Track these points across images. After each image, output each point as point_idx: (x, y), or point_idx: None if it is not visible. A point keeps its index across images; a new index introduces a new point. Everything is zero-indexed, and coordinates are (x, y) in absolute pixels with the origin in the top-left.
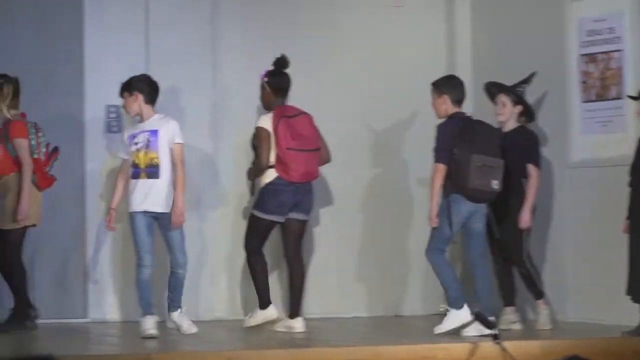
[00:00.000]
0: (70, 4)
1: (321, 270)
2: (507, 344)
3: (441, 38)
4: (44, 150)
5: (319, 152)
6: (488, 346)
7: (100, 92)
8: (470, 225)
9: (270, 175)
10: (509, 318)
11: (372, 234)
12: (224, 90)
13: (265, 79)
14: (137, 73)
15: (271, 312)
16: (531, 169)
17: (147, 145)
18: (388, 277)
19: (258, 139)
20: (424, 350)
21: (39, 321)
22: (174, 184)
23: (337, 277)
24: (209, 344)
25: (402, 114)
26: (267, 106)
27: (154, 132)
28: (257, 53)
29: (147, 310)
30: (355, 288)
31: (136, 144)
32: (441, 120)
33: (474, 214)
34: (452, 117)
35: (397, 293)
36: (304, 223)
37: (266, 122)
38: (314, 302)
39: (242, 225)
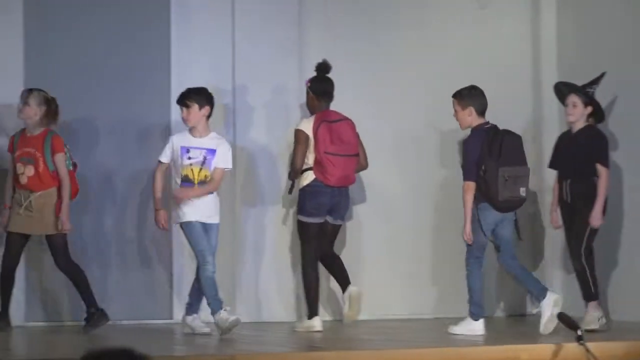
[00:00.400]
0: (157, 10)
1: (404, 271)
2: (590, 345)
3: (526, 38)
4: (71, 162)
5: (357, 158)
6: (572, 347)
7: None
8: (499, 231)
9: (308, 178)
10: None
11: (446, 235)
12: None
13: (309, 84)
14: (224, 78)
15: (316, 323)
16: (600, 168)
17: (203, 163)
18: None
19: (295, 141)
20: (507, 351)
21: (127, 322)
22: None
23: (419, 278)
24: (290, 345)
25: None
26: (312, 111)
27: (212, 152)
28: (342, 56)
29: (219, 306)
30: (438, 289)
31: (190, 158)
32: (466, 134)
33: (502, 221)
34: (477, 130)
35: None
36: (338, 227)
37: (306, 125)
38: (398, 302)
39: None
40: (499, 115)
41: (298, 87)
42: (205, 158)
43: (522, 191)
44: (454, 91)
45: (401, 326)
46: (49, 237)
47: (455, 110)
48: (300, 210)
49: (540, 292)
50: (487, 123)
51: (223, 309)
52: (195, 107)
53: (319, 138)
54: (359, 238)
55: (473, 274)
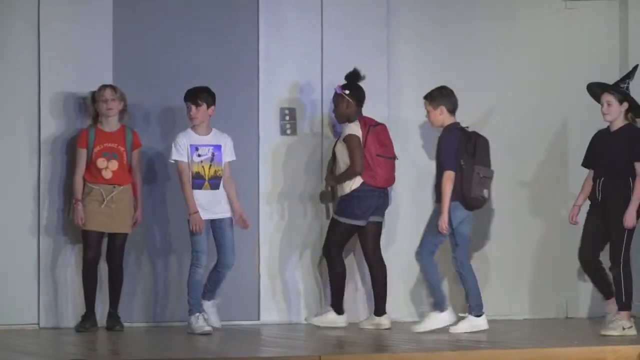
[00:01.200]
0: (246, 7)
1: (493, 272)
2: None
3: (614, 36)
4: None
5: (395, 160)
6: None
7: (274, 95)
8: (461, 229)
9: (356, 182)
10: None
11: (543, 236)
12: (398, 93)
13: (347, 92)
14: (313, 77)
15: (342, 320)
16: (638, 167)
17: (212, 159)
18: (558, 279)
19: (351, 146)
20: (593, 352)
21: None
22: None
23: (507, 278)
24: (372, 346)
25: (574, 117)
26: (346, 117)
27: (218, 147)
28: (430, 54)
29: (199, 309)
30: (526, 290)
31: (199, 155)
32: (440, 131)
33: (465, 219)
34: (450, 127)
35: (567, 295)
36: (380, 224)
37: (356, 130)
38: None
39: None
40: (588, 113)
41: (386, 85)
42: (213, 154)
43: (486, 193)
44: (543, 94)
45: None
46: (118, 234)
47: (427, 111)
48: (343, 212)
49: (442, 304)
50: (459, 123)
51: (201, 313)
52: (204, 106)
53: (369, 141)
54: None
55: (432, 268)
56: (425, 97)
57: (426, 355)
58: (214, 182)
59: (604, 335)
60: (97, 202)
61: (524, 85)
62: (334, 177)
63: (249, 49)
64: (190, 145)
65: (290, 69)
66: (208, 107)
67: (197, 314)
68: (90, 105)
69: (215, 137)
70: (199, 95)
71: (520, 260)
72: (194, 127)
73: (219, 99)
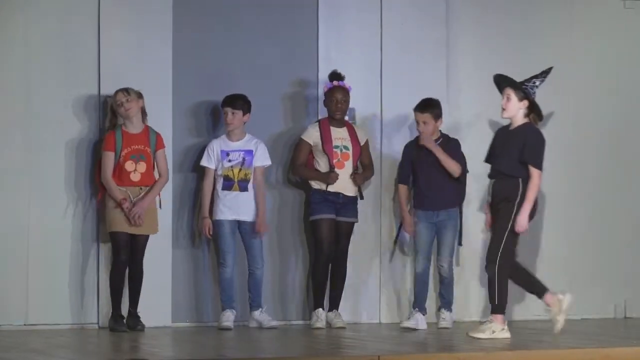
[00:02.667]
0: (305, 9)
1: (552, 272)
2: None
3: None
4: None
5: None
6: None
7: None
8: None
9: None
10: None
11: (603, 235)
12: (457, 92)
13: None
14: (372, 74)
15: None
16: (532, 170)
17: (242, 163)
18: (616, 279)
19: (369, 149)
20: None
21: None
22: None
23: (566, 278)
24: (432, 346)
25: (633, 116)
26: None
27: (249, 152)
28: (489, 56)
29: (228, 305)
30: (585, 289)
31: (230, 160)
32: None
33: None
34: (447, 136)
35: (626, 295)
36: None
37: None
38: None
39: None
40: None
41: (445, 85)
42: (244, 159)
43: None
44: (603, 94)
45: (542, 327)
46: (140, 236)
47: (426, 123)
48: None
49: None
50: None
51: (230, 310)
52: (240, 113)
53: None
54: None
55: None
56: (426, 111)
57: (485, 355)
58: (243, 184)
59: (473, 337)
60: (127, 203)
61: (582, 85)
62: (361, 176)
63: (309, 50)
64: (222, 151)
65: (349, 69)
66: (244, 114)
67: (226, 310)
68: (109, 112)
69: (247, 142)
70: (237, 102)
71: (578, 259)
72: (228, 133)
73: (279, 99)
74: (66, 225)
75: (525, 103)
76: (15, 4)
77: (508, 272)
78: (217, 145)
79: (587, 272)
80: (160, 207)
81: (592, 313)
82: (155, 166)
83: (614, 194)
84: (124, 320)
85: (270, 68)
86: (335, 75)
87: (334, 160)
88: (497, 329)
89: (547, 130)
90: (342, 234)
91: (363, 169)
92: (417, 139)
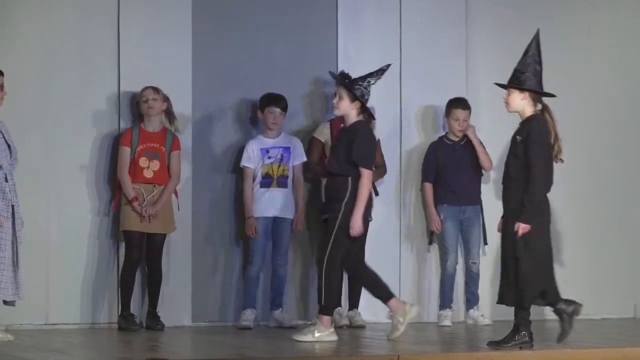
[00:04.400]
0: (325, 8)
1: (572, 272)
2: None
3: None
4: None
5: None
6: None
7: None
8: None
9: None
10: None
11: (623, 235)
12: (476, 92)
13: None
14: (391, 73)
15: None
16: (361, 170)
17: (281, 160)
18: (638, 278)
19: (380, 148)
20: None
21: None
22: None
23: (586, 278)
24: (456, 346)
25: None
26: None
27: (287, 149)
28: (508, 55)
29: (250, 304)
30: (605, 289)
31: (270, 158)
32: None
33: None
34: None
35: None
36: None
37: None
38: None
39: None
40: None
41: (464, 84)
42: (282, 156)
43: None
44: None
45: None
46: (157, 235)
47: (466, 120)
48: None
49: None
50: None
51: (251, 308)
52: (285, 113)
53: None
54: None
55: None
56: (469, 108)
57: (504, 355)
58: (282, 181)
59: (296, 341)
60: (139, 202)
61: (602, 85)
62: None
63: (328, 49)
64: (261, 149)
65: (368, 67)
66: (285, 111)
67: (247, 309)
68: (134, 107)
69: (284, 139)
70: (282, 102)
71: (598, 259)
72: (265, 132)
73: (299, 98)
74: (86, 224)
75: (358, 103)
76: (34, 2)
77: (338, 274)
78: (255, 145)
79: (608, 271)
80: (178, 209)
81: (612, 313)
82: (169, 167)
83: (633, 194)
84: (135, 319)
85: (289, 67)
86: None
87: None
88: (322, 331)
89: (567, 132)
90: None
91: (375, 168)
92: (444, 137)
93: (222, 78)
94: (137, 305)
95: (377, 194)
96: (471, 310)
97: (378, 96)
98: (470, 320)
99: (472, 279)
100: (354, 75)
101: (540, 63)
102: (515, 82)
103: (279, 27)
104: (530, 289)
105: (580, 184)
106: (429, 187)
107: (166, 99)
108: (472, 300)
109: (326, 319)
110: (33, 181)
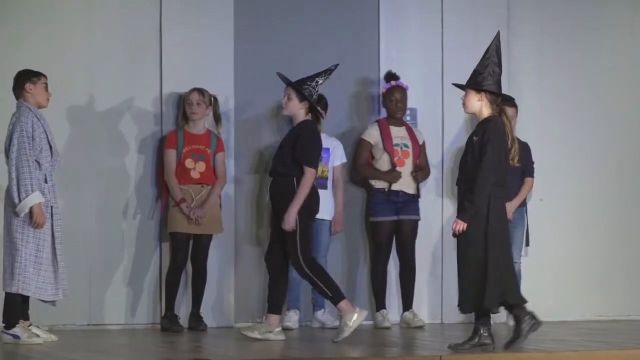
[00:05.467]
0: (367, 10)
1: (613, 273)
2: None
3: None
4: None
5: None
6: None
7: None
8: None
9: None
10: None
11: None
12: (518, 92)
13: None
14: (433, 74)
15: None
16: (304, 168)
17: (320, 160)
18: None
19: (424, 150)
20: None
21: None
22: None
23: (628, 279)
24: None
25: None
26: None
27: (326, 150)
28: (551, 55)
29: (292, 304)
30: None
31: None
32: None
33: None
34: None
35: None
36: None
37: None
38: (604, 302)
39: None
40: None
41: (506, 86)
42: (321, 156)
43: None
44: None
45: (599, 327)
46: (203, 236)
47: (513, 118)
48: None
49: None
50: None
51: (293, 310)
52: (324, 112)
53: None
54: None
55: None
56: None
57: (546, 356)
58: (321, 182)
59: (245, 336)
60: (186, 203)
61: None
62: (422, 173)
63: (370, 51)
64: None
65: (410, 69)
66: (326, 113)
67: (290, 310)
68: (180, 107)
69: (324, 140)
70: (325, 101)
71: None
72: None
73: (341, 98)
74: (129, 226)
75: (306, 103)
76: (78, 4)
77: (321, 267)
78: None
79: None
80: (220, 208)
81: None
82: (214, 169)
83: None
84: (178, 320)
85: (329, 64)
86: (390, 76)
87: (395, 158)
88: (352, 318)
89: (603, 131)
90: (407, 233)
91: (419, 170)
92: None
93: (264, 78)
94: (179, 306)
95: (419, 196)
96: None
97: (419, 98)
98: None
99: None
100: None
101: (498, 65)
102: (472, 83)
103: (321, 27)
104: (490, 292)
105: (625, 181)
106: None
107: (212, 101)
108: None
109: (344, 303)
110: (77, 183)
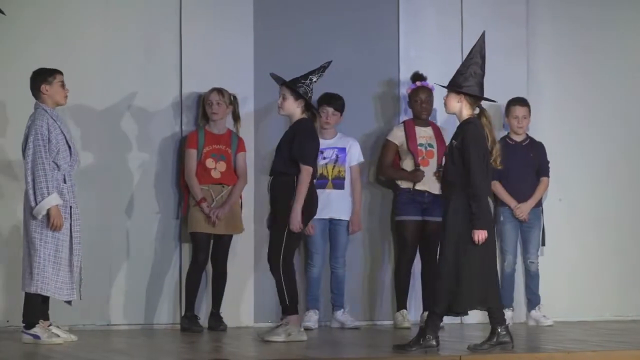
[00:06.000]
0: (386, 10)
1: (631, 271)
2: None
3: None
4: None
5: None
6: None
7: None
8: None
9: None
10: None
11: None
12: (537, 92)
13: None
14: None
15: None
16: (301, 166)
17: (336, 160)
18: None
19: None
20: None
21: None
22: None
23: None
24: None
25: None
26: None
27: (342, 150)
28: (569, 55)
29: (312, 305)
30: None
31: (324, 158)
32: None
33: None
34: None
35: None
36: None
37: None
38: (623, 302)
39: None
40: None
41: (525, 86)
42: (337, 156)
43: None
44: None
45: (617, 328)
46: (224, 236)
47: (525, 117)
48: None
49: None
50: None
51: (313, 310)
52: (339, 114)
53: None
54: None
55: None
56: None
57: (565, 356)
58: (338, 182)
59: (267, 341)
60: (207, 203)
61: None
62: None
63: (390, 51)
64: None
65: (430, 69)
66: (341, 114)
67: (309, 310)
68: (200, 107)
69: (340, 140)
70: (337, 103)
71: None
72: (321, 132)
73: (360, 99)
74: (149, 226)
75: (302, 102)
76: (97, 3)
77: (293, 271)
78: None
79: None
80: (241, 208)
81: None
82: (235, 169)
83: None
84: (198, 320)
85: (351, 67)
86: (417, 76)
87: (419, 158)
88: (293, 331)
89: (620, 131)
90: (431, 235)
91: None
92: (506, 137)
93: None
94: (199, 306)
95: None
96: (533, 311)
97: (439, 97)
98: (532, 321)
99: (531, 279)
100: None
101: (481, 66)
102: (453, 84)
103: (341, 27)
104: (468, 294)
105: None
106: (497, 184)
107: (232, 101)
108: (533, 300)
109: (294, 317)
110: (97, 183)
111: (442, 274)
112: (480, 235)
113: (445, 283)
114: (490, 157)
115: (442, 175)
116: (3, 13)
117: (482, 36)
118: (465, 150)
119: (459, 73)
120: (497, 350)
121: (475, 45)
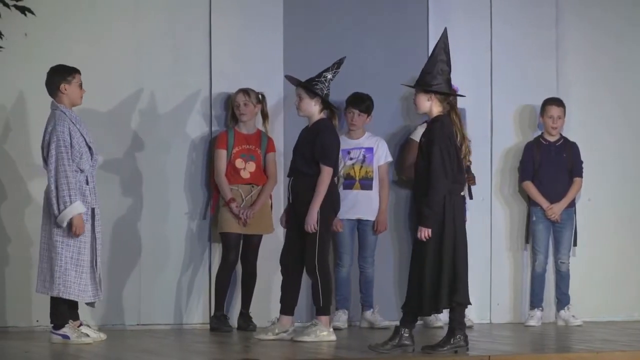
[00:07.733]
0: (416, 12)
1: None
2: None
3: None
4: None
5: None
6: None
7: None
8: None
9: None
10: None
11: None
12: (566, 94)
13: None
14: (482, 75)
15: None
16: (322, 167)
17: (363, 160)
18: None
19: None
20: None
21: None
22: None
23: None
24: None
25: None
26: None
27: (370, 150)
28: (599, 54)
29: (342, 305)
30: None
31: (351, 158)
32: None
33: None
34: None
35: None
36: None
37: None
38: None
39: None
40: None
41: (555, 86)
42: (364, 156)
43: None
44: None
45: None
46: (254, 236)
47: (560, 118)
48: None
49: None
50: None
51: (343, 310)
52: (365, 115)
53: None
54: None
55: None
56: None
57: (594, 356)
58: (365, 183)
59: (297, 341)
60: (236, 202)
61: None
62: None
63: (419, 52)
64: (342, 150)
65: (459, 70)
66: (368, 115)
67: (339, 310)
68: (229, 108)
69: (367, 139)
70: (363, 105)
71: None
72: (348, 133)
73: (390, 99)
74: (179, 226)
75: (319, 100)
76: (126, 3)
77: (330, 273)
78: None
79: None
80: (271, 209)
81: None
82: (264, 169)
83: None
84: (227, 320)
85: (380, 68)
86: None
87: None
88: (322, 332)
89: None
90: None
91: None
92: (540, 137)
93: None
94: (229, 306)
95: (471, 198)
96: (562, 311)
97: (467, 99)
98: (561, 321)
99: (562, 279)
100: None
101: (447, 62)
102: (421, 83)
103: (370, 27)
104: (443, 293)
105: None
106: (529, 185)
107: (260, 100)
108: (562, 300)
109: (325, 318)
110: (128, 184)
111: (443, 269)
112: (424, 233)
113: (449, 275)
114: (460, 153)
115: (414, 171)
116: (33, 13)
117: (445, 32)
118: (429, 148)
119: (425, 72)
120: (399, 351)
121: (438, 42)
